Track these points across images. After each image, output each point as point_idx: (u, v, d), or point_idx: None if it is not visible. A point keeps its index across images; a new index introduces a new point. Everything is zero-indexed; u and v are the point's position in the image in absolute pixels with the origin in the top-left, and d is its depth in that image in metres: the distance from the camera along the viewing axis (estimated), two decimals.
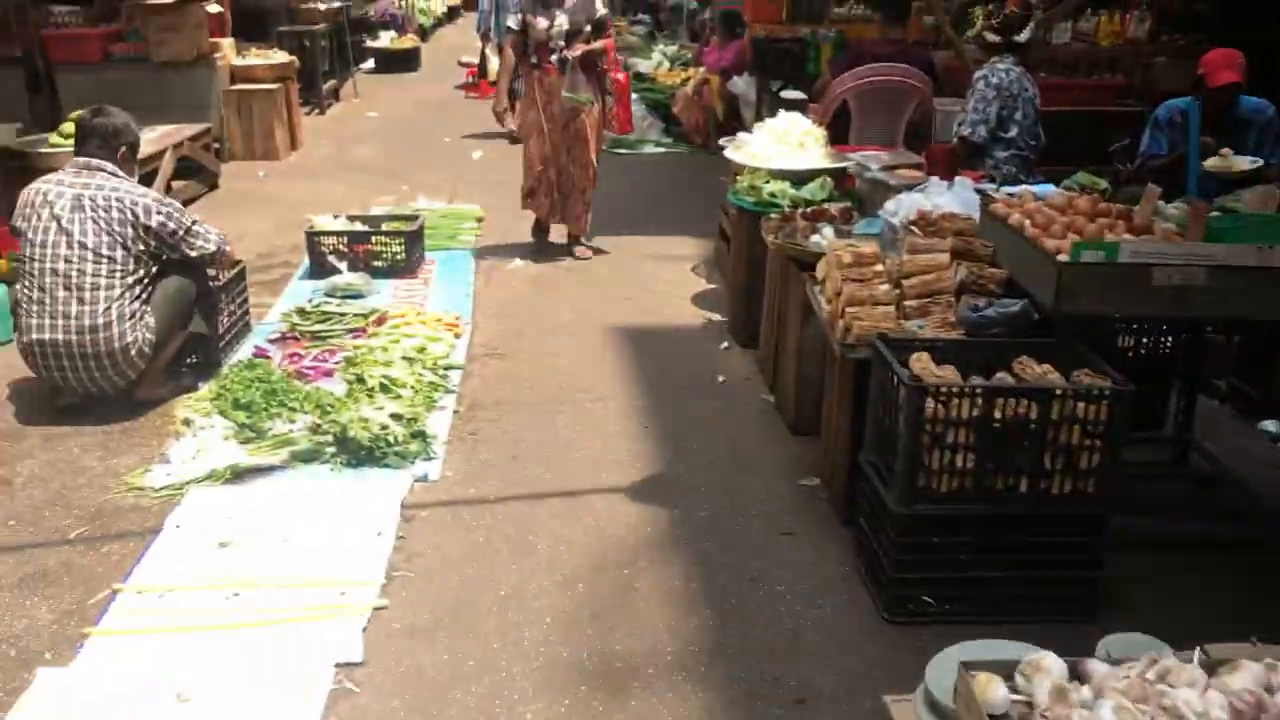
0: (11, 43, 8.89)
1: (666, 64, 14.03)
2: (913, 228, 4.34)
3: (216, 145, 9.42)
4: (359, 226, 6.53)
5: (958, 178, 4.88)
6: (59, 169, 6.59)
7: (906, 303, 3.61)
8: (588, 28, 6.51)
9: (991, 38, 5.49)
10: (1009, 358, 3.33)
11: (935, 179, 4.87)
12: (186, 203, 8.07)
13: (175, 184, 8.14)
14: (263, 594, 3.25)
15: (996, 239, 3.90)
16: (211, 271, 4.85)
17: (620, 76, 6.80)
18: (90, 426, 4.41)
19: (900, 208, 4.68)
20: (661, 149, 10.77)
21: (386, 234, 6.42)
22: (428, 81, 15.19)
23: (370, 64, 16.06)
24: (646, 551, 3.55)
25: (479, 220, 7.73)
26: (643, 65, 13.47)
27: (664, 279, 6.52)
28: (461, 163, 9.89)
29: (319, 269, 6.29)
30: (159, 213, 4.42)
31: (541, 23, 6.44)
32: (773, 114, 10.31)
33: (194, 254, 4.54)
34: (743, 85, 10.46)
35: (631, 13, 20.80)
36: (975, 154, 5.50)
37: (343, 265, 6.13)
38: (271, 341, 5.32)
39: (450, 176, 9.27)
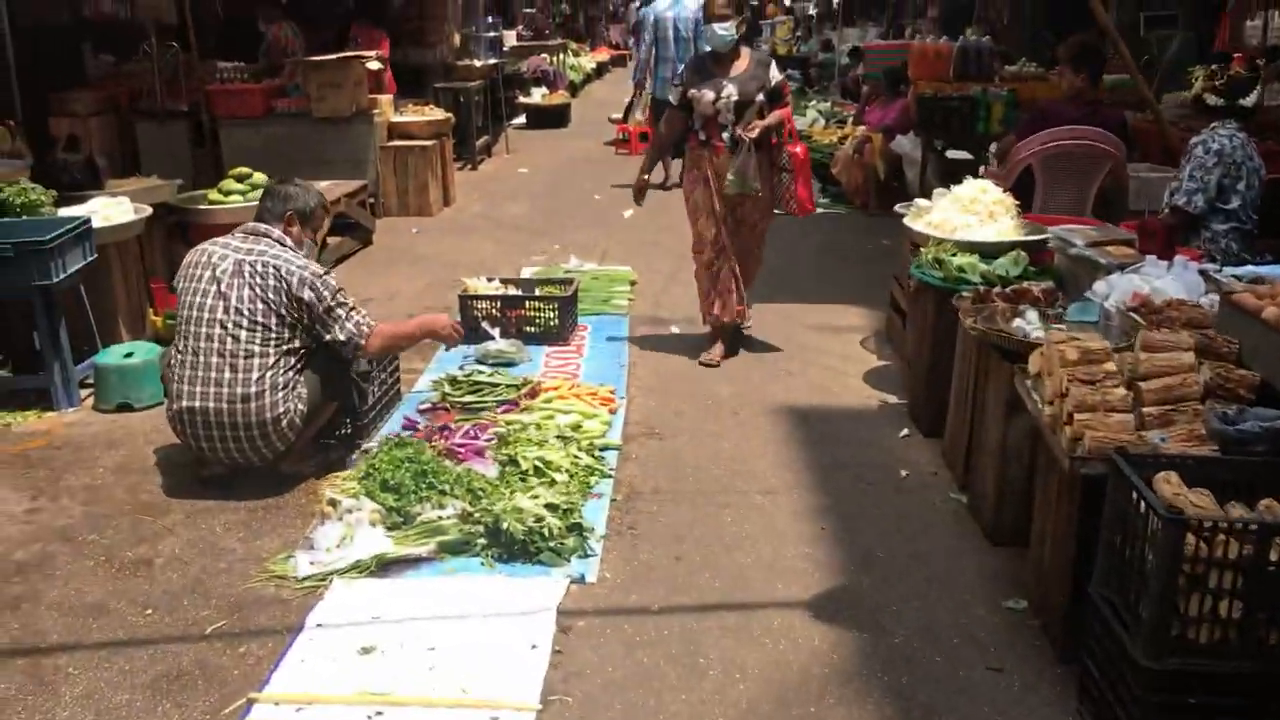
0: (179, 97, 9.08)
1: (821, 121, 13.68)
2: (1133, 315, 3.84)
3: (371, 200, 9.43)
4: (513, 290, 6.31)
5: (1177, 256, 4.36)
6: (214, 223, 6.66)
7: (1145, 410, 3.11)
8: (760, 97, 5.62)
9: (1213, 100, 4.94)
10: (1275, 482, 2.81)
11: (1151, 258, 4.34)
12: (341, 260, 8.08)
13: (330, 240, 8.10)
14: (407, 714, 2.94)
15: (1245, 336, 3.37)
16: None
17: (798, 150, 5.81)
18: (234, 502, 4.21)
19: (1113, 290, 4.17)
20: (818, 209, 10.34)
21: (540, 299, 6.17)
22: (577, 137, 15.17)
23: (521, 119, 16.16)
24: (835, 686, 3.10)
25: (632, 284, 7.46)
26: (796, 123, 13.12)
27: (830, 352, 6.08)
28: (612, 221, 9.67)
29: (471, 334, 6.08)
30: (311, 287, 4.22)
31: (708, 95, 5.59)
32: (938, 175, 9.93)
33: (327, 337, 4.29)
34: (908, 145, 10.04)
35: (780, 68, 20.63)
36: (1190, 226, 4.94)
37: (495, 331, 5.89)
38: (421, 411, 5.09)
39: (601, 235, 9.06)
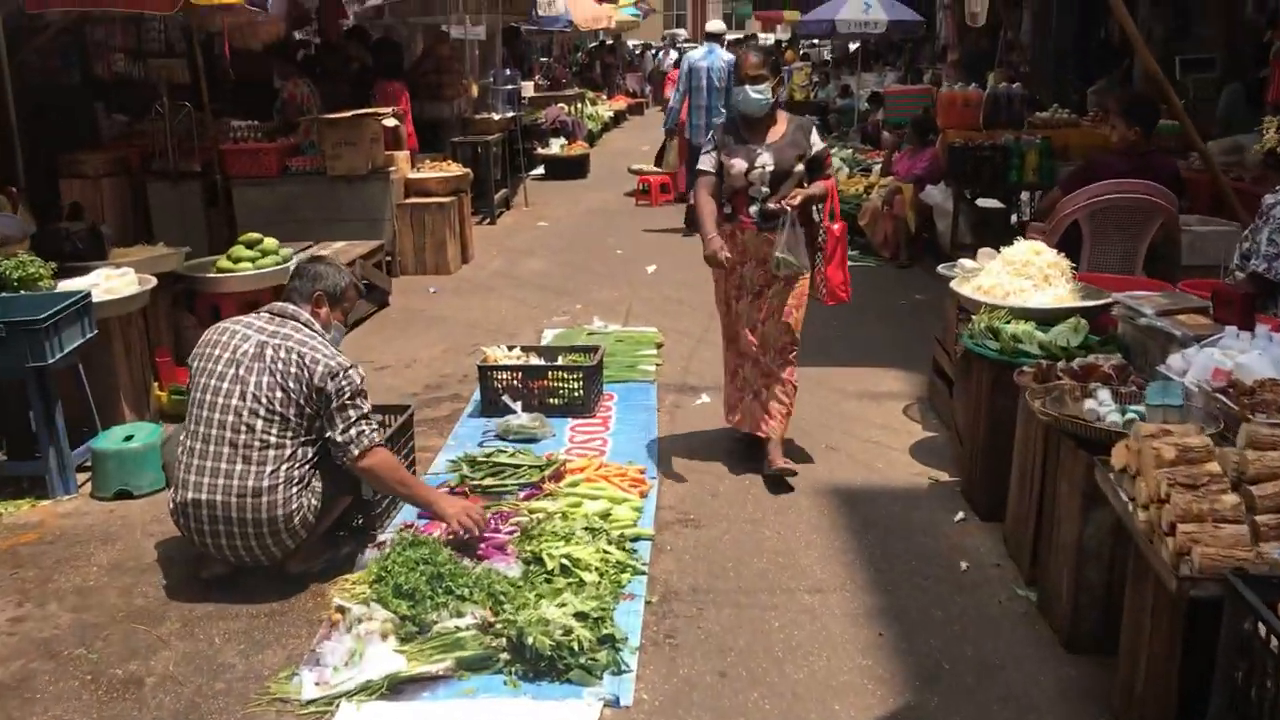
0: (191, 157, 8.86)
1: (846, 170, 13.37)
2: (1221, 397, 3.48)
3: (389, 257, 9.17)
4: (534, 360, 5.99)
5: (1258, 326, 3.99)
6: (222, 291, 6.38)
7: (1259, 518, 2.74)
8: (799, 166, 4.91)
9: None
10: None
11: (1231, 328, 3.97)
12: (356, 323, 7.77)
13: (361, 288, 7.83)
14: None
15: None
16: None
17: (835, 227, 4.98)
18: (236, 606, 3.87)
19: (1191, 366, 3.81)
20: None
21: (564, 369, 5.84)
22: (597, 188, 14.92)
23: (540, 170, 15.94)
24: None
25: (658, 346, 7.13)
26: None
27: (872, 423, 5.72)
28: (635, 277, 9.37)
29: (491, 406, 5.76)
30: (334, 378, 3.90)
31: (739, 164, 4.85)
32: (970, 225, 9.61)
33: (327, 434, 3.93)
34: (938, 195, 9.74)
35: (797, 115, 20.35)
36: (1269, 293, 4.58)
37: (517, 405, 5.56)
38: None
39: (625, 293, 8.75)
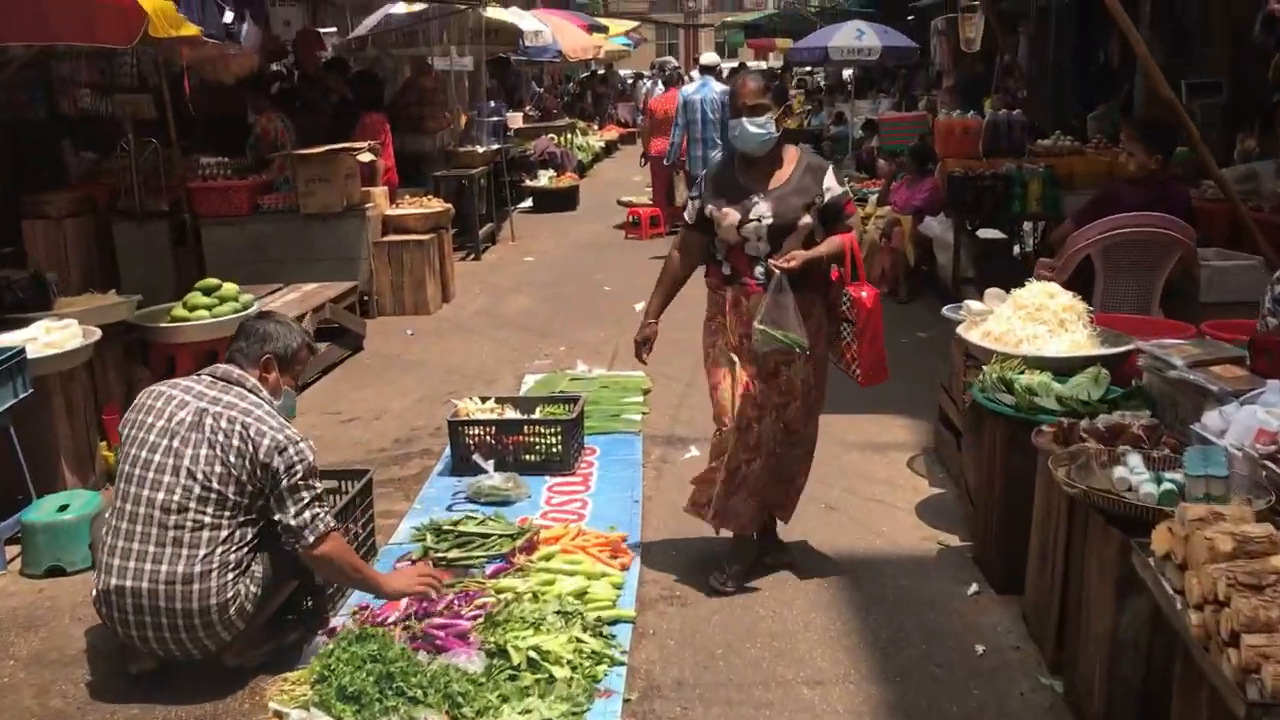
0: (158, 196, 8.47)
1: None
2: (1270, 464, 3.08)
3: (365, 297, 8.79)
4: (510, 413, 5.57)
5: None
6: (177, 342, 5.98)
7: None
8: (806, 218, 4.04)
9: None
10: None
11: (1273, 383, 3.57)
12: (328, 369, 7.39)
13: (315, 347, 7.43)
14: None
15: None
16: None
17: (864, 294, 4.06)
18: (163, 708, 3.45)
19: (1230, 425, 3.40)
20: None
21: (541, 423, 5.43)
22: (586, 221, 14.55)
23: (528, 202, 15.59)
24: None
25: (645, 393, 6.72)
26: None
27: (875, 478, 5.31)
28: (623, 316, 8.94)
29: (462, 465, 5.34)
30: (281, 453, 3.49)
31: (732, 216, 4.03)
32: (971, 257, 9.24)
33: (275, 515, 3.53)
34: (938, 227, 9.37)
35: (790, 143, 20.04)
36: None
37: (489, 465, 5.13)
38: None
39: (611, 334, 8.34)
